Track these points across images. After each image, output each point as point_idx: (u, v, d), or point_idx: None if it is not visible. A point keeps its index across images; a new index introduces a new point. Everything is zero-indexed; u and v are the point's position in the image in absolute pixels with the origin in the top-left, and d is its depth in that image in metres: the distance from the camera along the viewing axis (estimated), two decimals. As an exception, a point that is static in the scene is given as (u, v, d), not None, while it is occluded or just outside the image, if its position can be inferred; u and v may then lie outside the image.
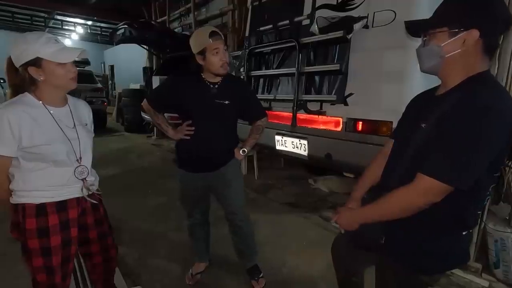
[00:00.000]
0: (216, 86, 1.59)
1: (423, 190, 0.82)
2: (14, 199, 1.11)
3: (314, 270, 2.01)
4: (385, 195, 0.90)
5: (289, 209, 3.00)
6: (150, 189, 3.51)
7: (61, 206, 1.14)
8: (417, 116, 0.94)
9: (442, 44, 0.84)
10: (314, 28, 2.24)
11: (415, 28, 0.95)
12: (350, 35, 2.07)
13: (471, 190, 0.80)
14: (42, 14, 10.42)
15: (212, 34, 1.47)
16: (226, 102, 1.59)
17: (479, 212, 0.92)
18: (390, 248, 0.97)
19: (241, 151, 1.70)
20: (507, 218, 1.93)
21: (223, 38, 1.52)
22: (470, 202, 0.87)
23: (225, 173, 1.68)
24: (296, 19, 2.56)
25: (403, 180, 0.89)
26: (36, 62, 1.03)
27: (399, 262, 0.97)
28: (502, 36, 1.76)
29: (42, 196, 1.10)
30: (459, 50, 0.83)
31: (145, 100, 1.68)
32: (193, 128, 1.59)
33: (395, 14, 1.95)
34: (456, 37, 0.82)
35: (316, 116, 2.49)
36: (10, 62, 1.06)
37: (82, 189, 1.18)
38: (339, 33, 2.09)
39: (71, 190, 1.16)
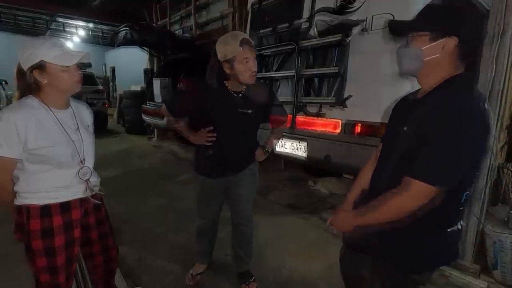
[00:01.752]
0: (240, 95, 1.53)
1: (416, 194, 0.84)
2: (18, 201, 1.12)
3: (314, 271, 2.02)
4: (377, 200, 0.92)
5: (289, 211, 3.01)
6: (151, 191, 3.53)
7: (65, 207, 1.16)
8: (400, 119, 0.97)
9: (423, 48, 0.87)
10: (313, 31, 2.26)
11: (398, 28, 0.98)
12: (348, 39, 2.09)
13: (453, 188, 0.84)
14: (44, 17, 10.47)
15: (243, 42, 1.37)
16: (250, 111, 1.53)
17: (461, 208, 0.94)
18: (381, 248, 0.99)
19: (264, 152, 1.69)
20: (505, 219, 1.94)
21: (253, 45, 1.44)
22: (452, 199, 0.89)
23: (242, 177, 1.68)
24: (296, 22, 2.59)
25: (392, 182, 0.91)
26: (41, 65, 1.06)
27: (389, 262, 0.99)
28: (498, 40, 1.79)
29: (46, 198, 1.12)
30: (438, 55, 0.87)
31: (164, 106, 1.66)
32: (215, 135, 1.55)
33: (393, 17, 1.97)
34: (437, 42, 0.86)
35: (315, 118, 2.51)
36: (19, 67, 1.09)
37: (86, 190, 1.20)
38: (337, 37, 2.12)
39: (75, 191, 1.18)
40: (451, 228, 0.93)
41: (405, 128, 0.91)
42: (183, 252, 2.19)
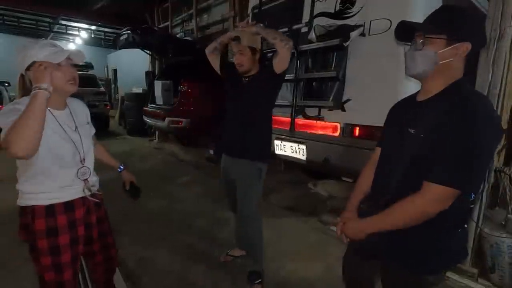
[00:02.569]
0: (247, 79, 1.77)
1: (437, 198, 0.84)
2: (23, 202, 1.14)
3: (313, 272, 2.03)
4: (393, 205, 0.90)
5: (289, 213, 3.03)
6: (152, 192, 3.54)
7: (69, 206, 1.18)
8: (403, 122, 0.96)
9: (440, 51, 0.87)
10: (312, 36, 2.29)
11: (411, 28, 0.94)
12: (347, 43, 2.12)
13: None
14: (47, 19, 10.57)
15: (234, 38, 1.72)
16: (251, 86, 1.76)
17: (471, 206, 0.95)
18: (392, 251, 0.98)
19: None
20: (503, 222, 1.95)
21: (241, 42, 1.69)
22: (463, 200, 0.89)
23: (242, 170, 1.79)
24: (295, 26, 2.61)
25: (402, 187, 0.91)
26: (34, 66, 1.06)
27: (402, 265, 0.98)
28: (495, 45, 1.81)
29: (50, 198, 1.14)
30: (452, 59, 0.87)
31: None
32: None
33: (391, 22, 2.00)
34: (452, 46, 0.86)
35: (315, 122, 2.54)
36: (21, 74, 1.11)
37: (84, 190, 1.22)
38: (336, 41, 2.14)
39: (76, 191, 1.20)
40: (461, 227, 0.94)
41: (412, 131, 0.90)
42: (184, 253, 2.21)
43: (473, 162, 0.80)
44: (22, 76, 1.11)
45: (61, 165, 1.14)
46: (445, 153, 0.82)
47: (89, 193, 1.24)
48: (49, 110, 1.11)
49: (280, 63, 1.64)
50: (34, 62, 1.06)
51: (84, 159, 1.21)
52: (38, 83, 0.97)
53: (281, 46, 1.58)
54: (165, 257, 2.18)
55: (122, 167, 1.52)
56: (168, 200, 3.29)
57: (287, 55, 1.61)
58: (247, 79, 1.77)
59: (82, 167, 1.20)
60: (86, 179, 1.22)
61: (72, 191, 1.19)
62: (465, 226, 0.96)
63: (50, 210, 1.13)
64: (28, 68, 1.07)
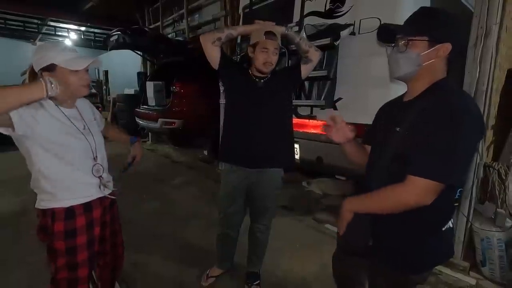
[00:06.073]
0: (262, 80, 1.62)
1: (418, 190, 0.84)
2: (43, 205, 1.15)
3: (308, 272, 2.05)
4: (378, 190, 0.92)
5: (284, 212, 3.03)
6: (145, 194, 3.52)
7: (87, 207, 1.20)
8: (390, 122, 0.98)
9: (422, 53, 0.89)
10: (303, 35, 2.29)
11: (393, 32, 0.96)
12: (337, 42, 2.13)
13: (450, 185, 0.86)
14: (35, 21, 10.38)
15: (268, 33, 1.53)
16: (271, 96, 1.63)
17: (456, 204, 0.97)
18: (378, 250, 0.99)
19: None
20: (492, 217, 1.99)
21: (277, 41, 1.55)
22: (448, 196, 0.90)
23: (272, 179, 1.70)
24: (286, 25, 2.61)
25: (387, 184, 0.92)
26: (51, 68, 1.08)
27: (387, 263, 1.00)
28: (482, 42, 1.84)
29: (69, 198, 1.15)
30: (434, 60, 0.89)
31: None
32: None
33: (380, 21, 2.02)
34: (434, 47, 0.88)
35: (307, 121, 2.54)
36: (31, 68, 1.12)
37: (100, 187, 1.24)
38: (326, 40, 2.15)
39: (93, 190, 1.22)
40: (445, 226, 0.95)
41: (397, 129, 0.92)
42: (178, 256, 2.20)
43: (454, 155, 0.81)
44: (33, 74, 1.12)
45: (75, 163, 1.16)
46: (425, 147, 0.84)
47: (106, 190, 1.26)
48: (59, 108, 1.15)
49: (309, 70, 1.67)
50: (52, 64, 1.08)
51: (96, 156, 1.23)
52: (51, 89, 0.96)
53: (316, 55, 1.64)
54: (160, 260, 2.17)
55: (135, 139, 1.56)
56: (162, 202, 3.27)
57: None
58: (262, 81, 1.61)
59: (95, 164, 1.23)
60: (101, 176, 1.24)
61: (90, 190, 1.21)
62: (451, 225, 0.97)
63: (70, 212, 1.15)
64: (44, 69, 1.08)
